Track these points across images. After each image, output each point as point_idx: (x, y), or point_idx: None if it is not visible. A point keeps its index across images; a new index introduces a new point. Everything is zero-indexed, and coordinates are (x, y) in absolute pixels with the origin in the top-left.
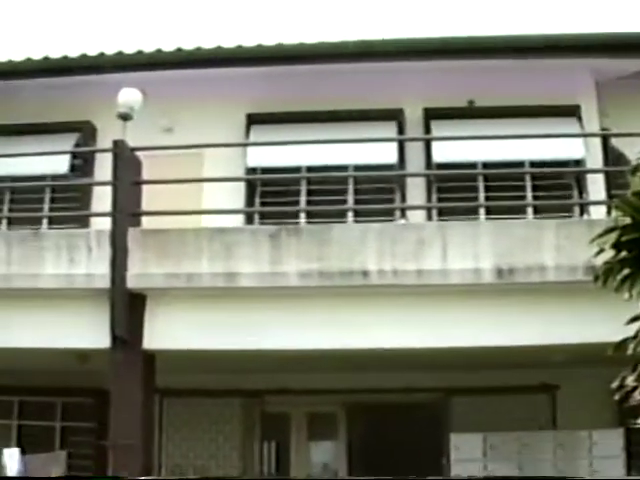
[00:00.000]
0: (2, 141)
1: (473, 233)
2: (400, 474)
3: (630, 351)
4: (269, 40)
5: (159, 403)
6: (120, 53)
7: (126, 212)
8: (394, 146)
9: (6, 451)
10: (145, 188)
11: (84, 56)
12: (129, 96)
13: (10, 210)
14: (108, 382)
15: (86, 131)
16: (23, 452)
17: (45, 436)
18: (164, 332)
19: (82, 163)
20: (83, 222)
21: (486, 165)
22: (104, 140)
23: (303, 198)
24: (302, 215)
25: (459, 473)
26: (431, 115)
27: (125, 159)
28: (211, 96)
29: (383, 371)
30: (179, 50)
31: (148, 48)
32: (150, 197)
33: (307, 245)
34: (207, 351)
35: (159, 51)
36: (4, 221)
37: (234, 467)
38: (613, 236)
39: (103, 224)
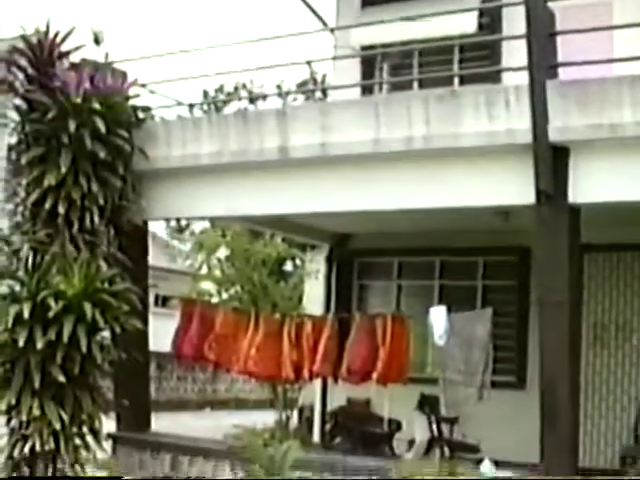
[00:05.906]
0: (408, 5)
1: None
2: None
3: None
4: None
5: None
6: None
7: (543, 65)
8: None
9: (433, 309)
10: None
11: None
12: None
13: (420, 73)
14: (530, 239)
15: None
16: (448, 310)
17: (466, 295)
18: (589, 185)
19: (489, 21)
20: (494, 79)
21: None
22: None
23: None
24: None
25: None
26: None
27: (538, 11)
28: None
29: None
30: None
31: None
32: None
33: None
34: (633, 202)
35: None
36: (415, 83)
37: None
38: None
39: (514, 80)
